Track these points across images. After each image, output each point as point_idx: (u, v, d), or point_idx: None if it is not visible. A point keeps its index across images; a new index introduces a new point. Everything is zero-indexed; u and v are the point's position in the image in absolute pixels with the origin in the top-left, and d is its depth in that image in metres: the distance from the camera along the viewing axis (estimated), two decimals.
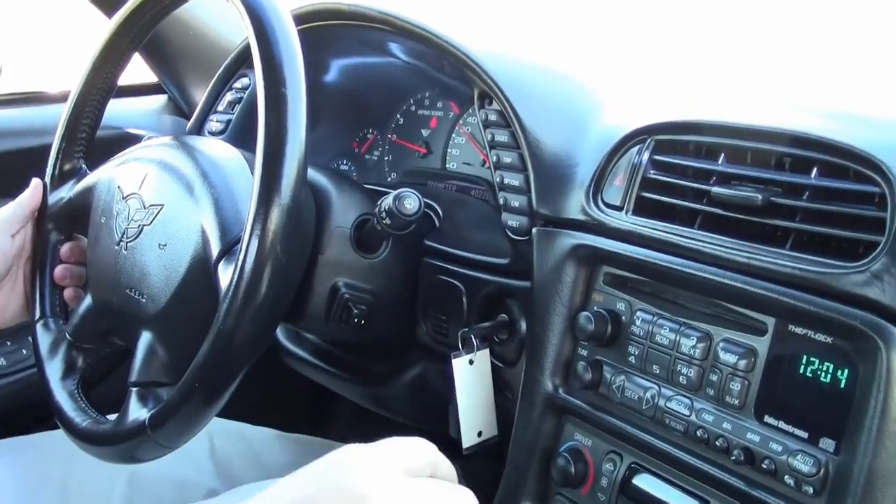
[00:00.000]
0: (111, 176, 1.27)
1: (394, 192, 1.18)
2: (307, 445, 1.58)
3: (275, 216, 0.96)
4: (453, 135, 1.58)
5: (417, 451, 0.82)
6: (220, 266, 1.06)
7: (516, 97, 1.22)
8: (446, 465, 0.85)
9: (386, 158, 1.69)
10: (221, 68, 1.65)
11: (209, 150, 1.22)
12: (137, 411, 1.09)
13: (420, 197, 1.19)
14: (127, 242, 1.18)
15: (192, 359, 1.00)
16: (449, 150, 1.58)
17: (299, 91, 1.01)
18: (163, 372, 1.12)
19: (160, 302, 1.12)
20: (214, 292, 1.04)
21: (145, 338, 1.14)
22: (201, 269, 1.09)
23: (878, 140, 0.89)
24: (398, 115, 1.68)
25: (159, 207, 1.16)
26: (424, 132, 1.63)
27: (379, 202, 1.20)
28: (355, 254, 1.27)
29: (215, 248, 1.07)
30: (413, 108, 1.66)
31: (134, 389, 1.11)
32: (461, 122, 1.56)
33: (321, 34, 1.49)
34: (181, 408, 1.01)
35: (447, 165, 1.58)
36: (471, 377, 1.25)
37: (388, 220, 1.19)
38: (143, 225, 1.17)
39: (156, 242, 1.15)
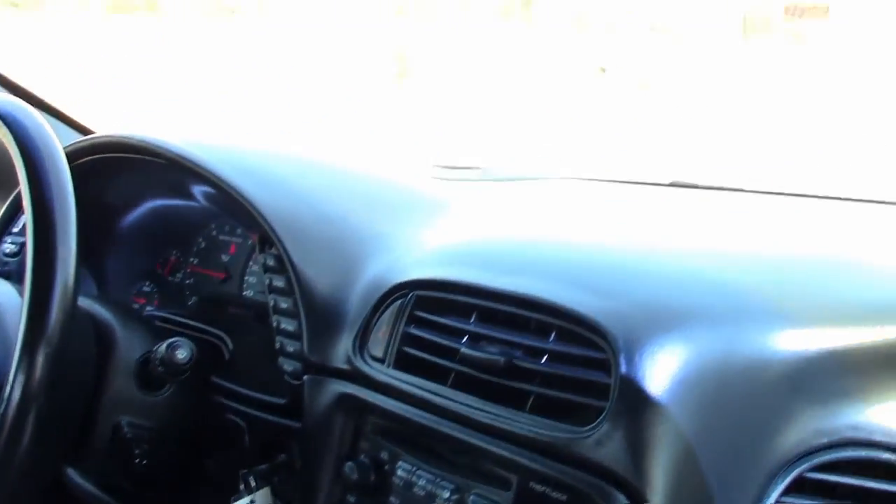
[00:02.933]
0: None
1: (167, 341, 1.20)
2: None
3: (36, 378, 0.97)
4: (251, 262, 1.59)
5: None
6: None
7: (293, 244, 1.24)
8: None
9: (187, 282, 1.70)
10: (15, 191, 1.63)
11: None
12: None
13: (193, 347, 1.20)
14: None
15: None
16: (246, 278, 1.60)
17: (69, 253, 1.01)
18: None
19: None
20: None
21: None
22: None
23: (604, 306, 0.94)
24: (200, 239, 1.69)
25: None
26: (224, 257, 1.64)
27: (155, 348, 1.21)
28: (139, 392, 1.28)
29: None
30: (214, 233, 1.67)
31: None
32: (257, 251, 1.58)
33: (116, 164, 1.50)
34: None
35: (244, 292, 1.59)
36: None
37: (161, 368, 1.21)
38: None
39: None
